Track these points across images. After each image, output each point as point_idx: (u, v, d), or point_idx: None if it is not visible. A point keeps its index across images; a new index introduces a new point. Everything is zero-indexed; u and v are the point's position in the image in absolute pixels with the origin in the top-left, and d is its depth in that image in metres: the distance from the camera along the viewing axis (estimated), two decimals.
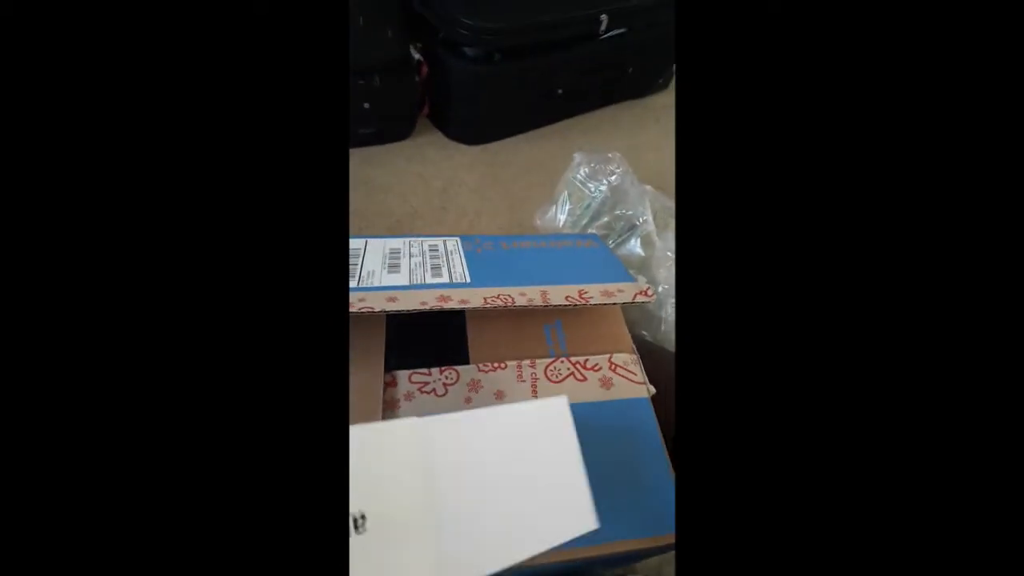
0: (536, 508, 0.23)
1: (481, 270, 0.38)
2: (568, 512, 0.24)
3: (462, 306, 0.33)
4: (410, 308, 0.32)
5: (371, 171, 0.83)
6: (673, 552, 0.32)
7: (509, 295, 0.34)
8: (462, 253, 0.40)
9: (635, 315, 0.54)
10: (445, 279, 0.36)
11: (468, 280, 0.36)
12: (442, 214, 0.79)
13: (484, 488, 0.23)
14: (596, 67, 0.87)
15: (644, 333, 0.53)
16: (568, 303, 0.34)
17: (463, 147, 0.88)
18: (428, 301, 0.33)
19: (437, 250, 0.40)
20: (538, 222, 0.68)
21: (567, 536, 0.23)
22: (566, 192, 0.65)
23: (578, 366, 0.36)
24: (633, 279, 0.38)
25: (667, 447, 0.34)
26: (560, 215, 0.66)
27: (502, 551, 0.22)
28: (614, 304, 0.35)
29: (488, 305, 0.33)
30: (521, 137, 0.91)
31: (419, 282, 0.36)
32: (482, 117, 0.86)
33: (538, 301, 0.34)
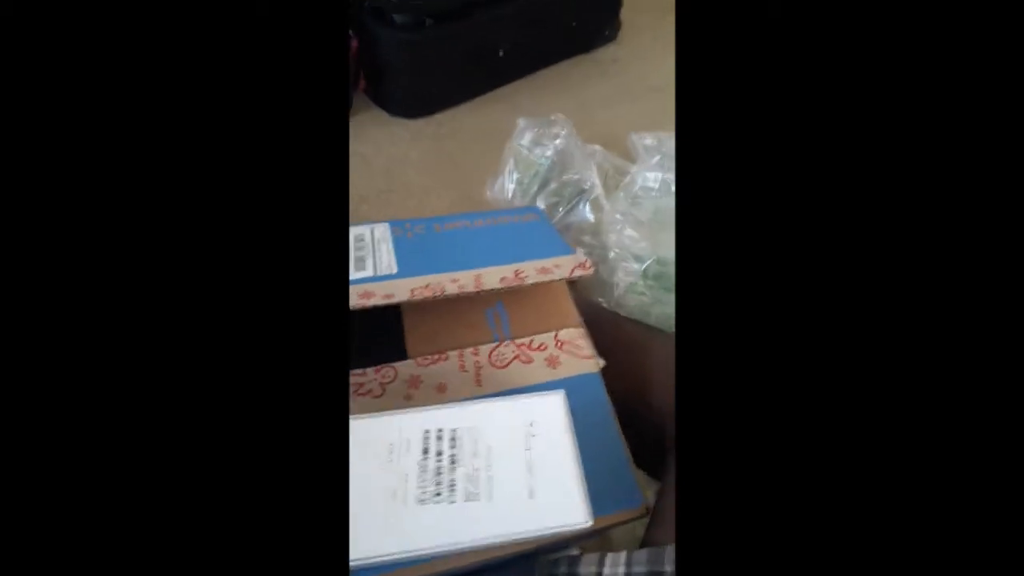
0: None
1: (410, 258, 0.35)
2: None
3: (386, 302, 0.31)
4: None
5: None
6: (644, 518, 0.31)
7: (439, 284, 0.32)
8: (391, 241, 0.37)
9: (589, 281, 0.52)
10: (369, 272, 0.34)
11: (395, 271, 0.34)
12: (388, 196, 0.75)
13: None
14: (536, 23, 0.82)
15: (600, 300, 0.52)
16: (503, 285, 0.32)
17: (405, 121, 0.84)
18: (349, 299, 0.31)
19: (363, 240, 0.38)
20: (488, 194, 0.65)
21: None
22: (512, 160, 0.62)
23: (523, 348, 0.35)
24: (572, 251, 0.36)
25: (618, 419, 0.33)
26: (509, 185, 0.63)
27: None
28: (551, 281, 0.34)
29: (416, 297, 0.31)
30: (466, 105, 0.86)
31: None
32: (420, 87, 0.81)
33: (471, 287, 0.32)
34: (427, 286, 0.32)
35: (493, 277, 0.33)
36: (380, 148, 0.80)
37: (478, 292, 0.32)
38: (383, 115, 0.84)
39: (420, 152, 0.80)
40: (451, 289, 0.32)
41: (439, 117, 0.84)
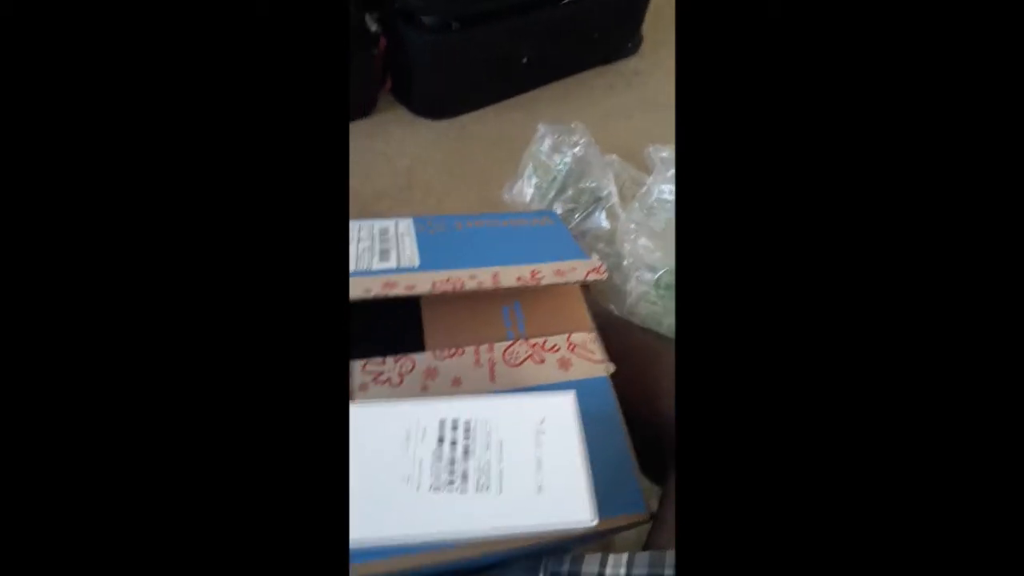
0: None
1: (432, 253, 0.36)
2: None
3: (408, 292, 0.32)
4: (354, 296, 0.31)
5: None
6: (647, 524, 0.32)
7: (459, 279, 0.33)
8: (414, 235, 0.39)
9: (603, 288, 0.53)
10: (393, 264, 0.35)
11: (417, 264, 0.35)
12: (408, 194, 0.77)
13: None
14: (560, 33, 0.84)
15: (612, 307, 0.53)
16: (520, 284, 0.33)
17: (428, 122, 0.85)
18: (373, 288, 0.32)
19: (387, 233, 0.39)
20: (505, 197, 0.67)
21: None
22: (531, 165, 0.63)
23: (536, 348, 0.35)
24: (587, 256, 0.37)
25: (626, 423, 0.34)
26: (527, 189, 0.64)
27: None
28: (566, 283, 0.34)
29: (436, 290, 0.32)
30: (489, 109, 0.88)
31: (365, 267, 0.34)
32: (445, 90, 0.83)
33: (489, 284, 0.33)
34: (447, 280, 0.33)
35: (510, 275, 0.34)
36: (403, 147, 0.81)
37: (495, 289, 0.33)
38: (407, 115, 0.86)
39: (442, 153, 0.81)
40: (470, 284, 0.33)
41: (462, 119, 0.86)
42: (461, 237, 0.39)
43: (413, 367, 0.34)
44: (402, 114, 0.86)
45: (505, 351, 0.35)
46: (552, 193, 0.61)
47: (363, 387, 0.33)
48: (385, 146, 0.82)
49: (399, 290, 0.32)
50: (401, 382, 0.34)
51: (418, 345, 0.35)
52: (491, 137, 0.84)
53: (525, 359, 0.35)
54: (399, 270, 0.34)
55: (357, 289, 0.32)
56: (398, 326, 0.36)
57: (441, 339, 0.36)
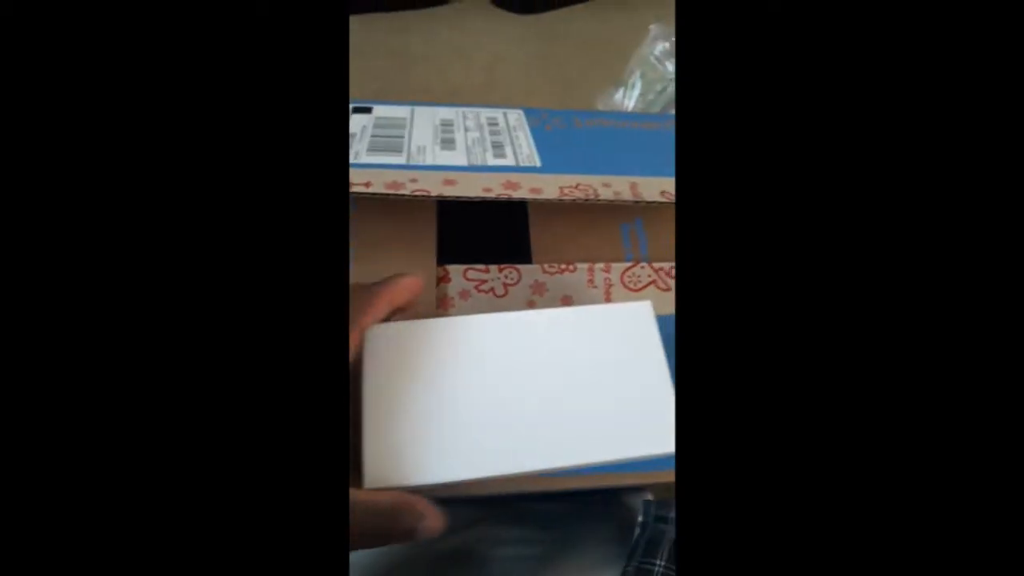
0: (612, 417, 0.22)
1: (552, 152, 0.31)
2: (647, 428, 0.22)
3: (533, 196, 0.27)
4: (472, 195, 0.27)
5: (406, 39, 0.73)
6: None
7: (590, 185, 0.28)
8: (528, 130, 0.33)
9: None
10: (510, 161, 0.30)
11: (538, 164, 0.30)
12: (486, 94, 0.70)
13: (554, 387, 0.22)
14: None
15: None
16: (665, 199, 0.28)
17: (512, 16, 0.76)
18: (493, 188, 0.27)
19: (497, 124, 0.34)
20: (599, 107, 0.60)
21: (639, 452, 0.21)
22: (639, 72, 0.55)
23: (661, 273, 0.31)
24: None
25: None
26: (628, 100, 0.57)
27: (562, 452, 0.21)
28: None
29: (566, 196, 0.27)
30: (580, 8, 0.78)
31: (479, 163, 0.30)
32: None
33: (627, 195, 0.28)
34: (577, 186, 0.28)
35: (652, 188, 0.29)
36: (481, 42, 0.73)
37: (636, 202, 0.28)
38: (488, 6, 0.77)
39: (525, 52, 0.73)
40: (605, 194, 0.28)
41: (550, 17, 0.76)
42: (585, 136, 0.33)
43: (519, 279, 0.31)
44: (483, 4, 0.77)
45: (623, 273, 0.31)
46: (659, 106, 0.54)
47: (464, 294, 0.30)
48: (464, 39, 0.74)
49: (522, 192, 0.27)
50: (506, 293, 0.30)
51: (524, 256, 0.32)
52: (580, 38, 0.75)
53: (647, 285, 0.31)
54: (519, 169, 0.30)
55: (475, 188, 0.27)
56: (501, 233, 0.32)
57: (549, 253, 0.32)
